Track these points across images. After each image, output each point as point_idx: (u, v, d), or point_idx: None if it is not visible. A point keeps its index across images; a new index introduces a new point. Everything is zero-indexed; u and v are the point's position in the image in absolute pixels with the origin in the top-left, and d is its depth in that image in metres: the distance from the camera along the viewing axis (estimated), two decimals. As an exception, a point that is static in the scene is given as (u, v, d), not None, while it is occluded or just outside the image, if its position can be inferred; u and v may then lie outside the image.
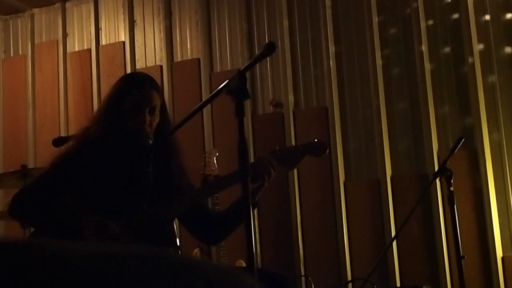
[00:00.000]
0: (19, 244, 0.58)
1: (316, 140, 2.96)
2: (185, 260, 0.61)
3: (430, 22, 5.46)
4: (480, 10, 5.31)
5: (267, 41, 4.28)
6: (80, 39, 6.76)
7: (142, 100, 2.80)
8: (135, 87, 2.83)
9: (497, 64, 5.24)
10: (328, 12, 5.75)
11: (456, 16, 5.40)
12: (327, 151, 2.92)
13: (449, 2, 5.43)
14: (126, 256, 0.59)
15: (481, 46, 5.26)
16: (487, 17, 5.31)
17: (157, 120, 2.85)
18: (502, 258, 4.98)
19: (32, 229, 3.08)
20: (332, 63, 5.67)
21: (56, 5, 6.87)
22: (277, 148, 2.90)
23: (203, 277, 0.59)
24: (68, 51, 6.75)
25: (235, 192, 2.84)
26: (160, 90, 2.94)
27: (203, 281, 0.59)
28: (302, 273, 5.46)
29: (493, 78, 5.22)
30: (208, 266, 0.62)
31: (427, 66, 5.36)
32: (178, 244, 2.96)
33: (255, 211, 5.61)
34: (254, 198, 2.85)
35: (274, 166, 2.80)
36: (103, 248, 0.60)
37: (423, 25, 5.43)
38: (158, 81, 5.93)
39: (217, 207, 4.12)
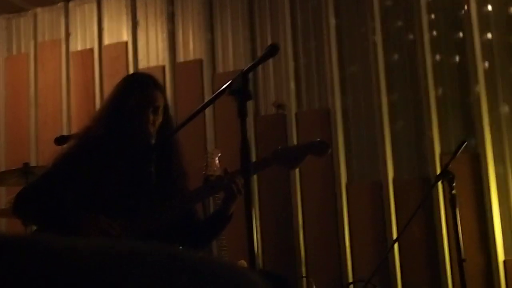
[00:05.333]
0: (21, 240, 0.57)
1: (318, 139, 2.95)
2: (193, 257, 0.60)
3: (432, 16, 5.46)
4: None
5: (269, 43, 4.28)
6: (82, 39, 6.76)
7: (146, 99, 2.80)
8: (138, 87, 2.83)
9: (500, 67, 5.23)
10: (331, 13, 5.75)
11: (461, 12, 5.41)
12: (329, 150, 2.92)
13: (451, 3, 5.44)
14: (132, 253, 0.58)
15: (484, 38, 5.26)
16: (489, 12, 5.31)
17: (160, 120, 2.85)
18: (504, 262, 4.98)
19: (34, 228, 3.08)
20: (334, 64, 5.66)
21: (59, 4, 6.87)
22: (279, 147, 2.90)
23: (211, 274, 0.59)
24: (70, 50, 6.75)
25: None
26: (164, 91, 2.95)
27: (212, 278, 0.58)
28: (304, 275, 5.46)
29: (496, 81, 5.22)
30: (217, 264, 0.62)
31: (430, 68, 5.36)
32: (180, 244, 2.95)
33: (257, 212, 5.60)
34: (228, 211, 2.85)
35: (238, 184, 2.77)
36: (109, 244, 0.60)
37: (425, 20, 5.44)
38: (161, 82, 5.95)
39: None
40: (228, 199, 2.83)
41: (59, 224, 2.64)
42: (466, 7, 5.34)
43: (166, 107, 2.92)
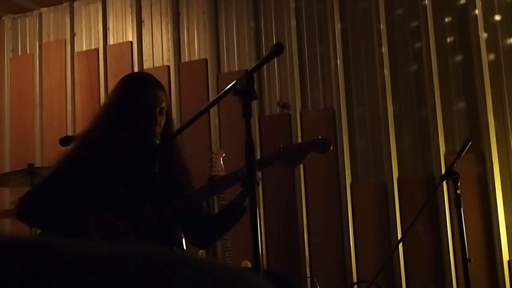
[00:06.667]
0: (22, 241, 0.57)
1: (319, 137, 2.95)
2: (195, 260, 0.60)
3: (437, 20, 5.46)
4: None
5: (274, 42, 4.28)
6: (87, 39, 6.77)
7: (153, 101, 2.80)
8: (144, 88, 2.82)
9: (505, 67, 5.22)
10: (336, 12, 5.74)
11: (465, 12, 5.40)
12: (331, 147, 2.92)
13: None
14: (135, 256, 0.58)
15: (489, 36, 5.25)
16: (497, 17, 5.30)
17: (164, 120, 2.85)
18: (509, 262, 4.97)
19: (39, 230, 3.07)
20: (339, 64, 5.66)
21: (64, 4, 6.88)
22: (281, 145, 2.90)
23: (214, 277, 0.59)
24: (75, 50, 6.77)
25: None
26: (166, 91, 2.95)
27: (214, 282, 0.58)
28: (308, 275, 5.46)
29: (501, 81, 5.21)
30: (218, 267, 0.62)
31: (435, 67, 5.35)
32: (184, 245, 2.96)
33: (261, 212, 5.60)
34: (242, 204, 2.85)
35: (259, 177, 2.78)
36: (108, 247, 0.59)
37: (430, 22, 5.43)
38: (165, 81, 5.97)
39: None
40: (245, 191, 2.82)
41: (63, 226, 2.64)
42: (469, 12, 5.33)
43: (168, 107, 2.92)
